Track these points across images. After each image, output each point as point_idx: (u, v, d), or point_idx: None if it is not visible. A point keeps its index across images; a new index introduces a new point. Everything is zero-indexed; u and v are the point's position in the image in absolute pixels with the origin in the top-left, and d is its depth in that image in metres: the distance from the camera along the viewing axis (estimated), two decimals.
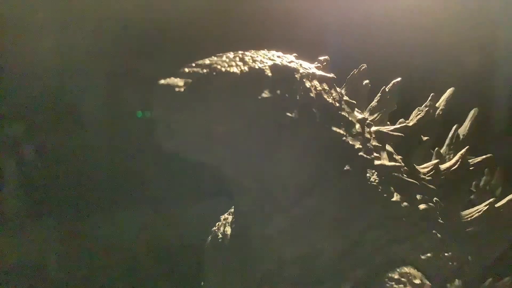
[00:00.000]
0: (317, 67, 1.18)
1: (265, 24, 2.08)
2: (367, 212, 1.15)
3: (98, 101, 2.19)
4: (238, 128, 0.98)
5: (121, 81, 2.17)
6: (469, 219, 1.35)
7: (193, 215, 2.09)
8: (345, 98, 1.24)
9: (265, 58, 1.04)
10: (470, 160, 1.43)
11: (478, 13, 2.16)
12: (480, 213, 1.36)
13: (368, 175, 1.17)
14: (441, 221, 1.27)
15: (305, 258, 1.12)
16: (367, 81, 1.36)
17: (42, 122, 2.13)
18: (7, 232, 2.07)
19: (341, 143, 1.15)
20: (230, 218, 1.35)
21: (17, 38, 2.00)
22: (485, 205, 1.37)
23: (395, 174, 1.22)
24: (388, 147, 1.27)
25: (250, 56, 1.03)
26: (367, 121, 1.26)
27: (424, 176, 1.31)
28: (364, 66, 1.35)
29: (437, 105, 1.47)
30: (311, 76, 1.12)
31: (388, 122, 1.39)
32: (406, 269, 1.14)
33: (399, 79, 1.41)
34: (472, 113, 1.72)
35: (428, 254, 1.19)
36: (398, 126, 1.34)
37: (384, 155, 1.24)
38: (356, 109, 1.26)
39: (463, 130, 1.68)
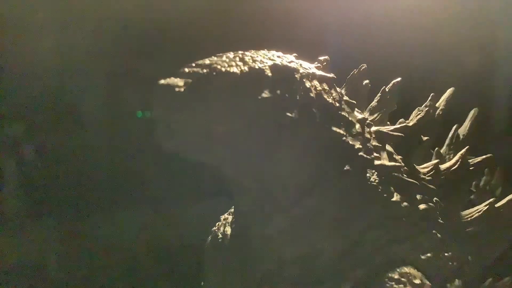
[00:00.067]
0: (317, 67, 1.18)
1: (265, 24, 2.08)
2: (367, 212, 1.15)
3: (98, 101, 2.19)
4: (238, 128, 0.98)
5: (121, 81, 2.17)
6: (469, 219, 1.35)
7: (193, 215, 2.09)
8: (345, 98, 1.24)
9: (265, 58, 1.04)
10: (470, 160, 1.43)
11: (478, 13, 2.16)
12: (480, 213, 1.36)
13: (368, 175, 1.17)
14: (441, 221, 1.27)
15: (305, 258, 1.12)
16: (367, 81, 1.36)
17: (42, 122, 2.13)
18: (7, 232, 2.07)
19: (341, 143, 1.15)
20: (230, 218, 1.35)
21: (17, 38, 2.00)
22: (485, 205, 1.37)
23: (395, 174, 1.22)
24: (388, 147, 1.27)
25: (250, 56, 1.02)
26: (367, 121, 1.26)
27: (424, 176, 1.31)
28: (364, 66, 1.35)
29: (437, 105, 1.47)
30: (311, 76, 1.12)
31: (388, 122, 1.39)
32: (406, 269, 1.14)
33: (399, 79, 1.41)
34: (472, 113, 1.72)
35: (428, 254, 1.19)
36: (398, 126, 1.34)
37: (384, 155, 1.24)
38: (356, 109, 1.26)
39: (463, 130, 1.68)
